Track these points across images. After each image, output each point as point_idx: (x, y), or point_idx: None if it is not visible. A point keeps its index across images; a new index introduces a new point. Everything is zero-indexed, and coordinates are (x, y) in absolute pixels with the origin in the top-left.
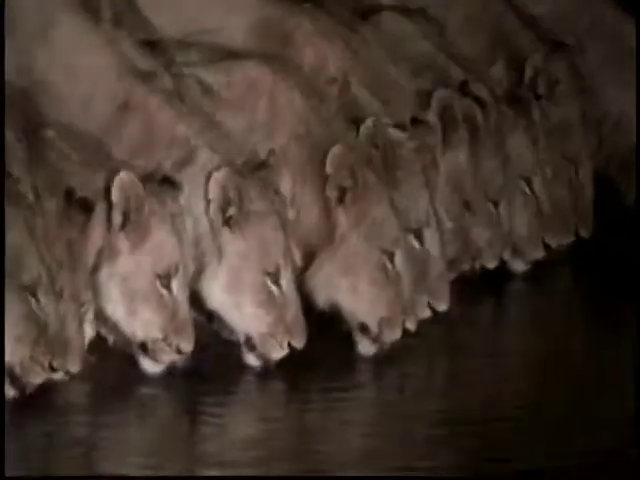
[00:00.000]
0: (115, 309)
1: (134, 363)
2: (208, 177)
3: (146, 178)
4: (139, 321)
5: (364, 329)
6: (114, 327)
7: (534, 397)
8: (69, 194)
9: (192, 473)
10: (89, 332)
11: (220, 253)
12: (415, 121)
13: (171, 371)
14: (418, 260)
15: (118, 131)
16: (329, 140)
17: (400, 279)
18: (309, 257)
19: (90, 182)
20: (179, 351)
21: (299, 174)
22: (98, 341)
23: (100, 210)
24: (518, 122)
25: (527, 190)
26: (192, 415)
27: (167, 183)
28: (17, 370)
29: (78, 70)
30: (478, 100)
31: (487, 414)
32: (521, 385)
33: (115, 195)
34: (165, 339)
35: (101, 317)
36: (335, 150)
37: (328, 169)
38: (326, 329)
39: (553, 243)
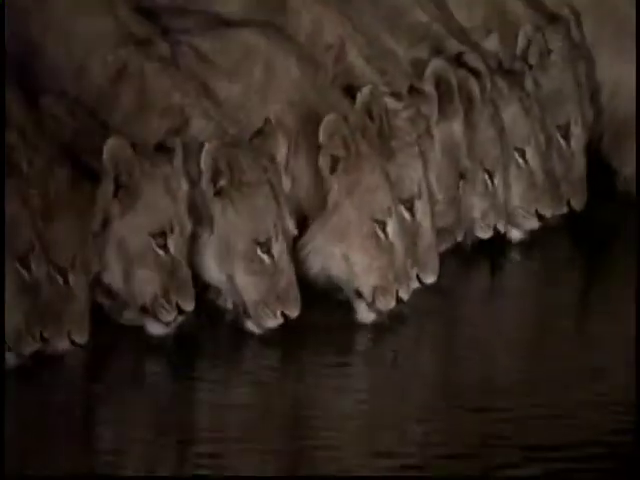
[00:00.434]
0: (113, 274)
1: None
2: (200, 148)
3: (139, 145)
4: (138, 282)
5: (359, 296)
6: (111, 293)
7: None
8: (76, 161)
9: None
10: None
11: (212, 223)
12: (411, 90)
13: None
14: (408, 231)
15: (113, 99)
16: (324, 108)
17: (393, 248)
18: (304, 225)
19: (92, 150)
20: (180, 310)
21: (294, 142)
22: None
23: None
24: (512, 93)
25: (521, 161)
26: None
27: (161, 149)
28: (9, 341)
29: (74, 36)
30: (473, 71)
31: (482, 387)
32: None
33: (105, 161)
34: (165, 296)
35: (98, 284)
36: (328, 119)
37: (321, 138)
38: (323, 296)
39: (547, 213)
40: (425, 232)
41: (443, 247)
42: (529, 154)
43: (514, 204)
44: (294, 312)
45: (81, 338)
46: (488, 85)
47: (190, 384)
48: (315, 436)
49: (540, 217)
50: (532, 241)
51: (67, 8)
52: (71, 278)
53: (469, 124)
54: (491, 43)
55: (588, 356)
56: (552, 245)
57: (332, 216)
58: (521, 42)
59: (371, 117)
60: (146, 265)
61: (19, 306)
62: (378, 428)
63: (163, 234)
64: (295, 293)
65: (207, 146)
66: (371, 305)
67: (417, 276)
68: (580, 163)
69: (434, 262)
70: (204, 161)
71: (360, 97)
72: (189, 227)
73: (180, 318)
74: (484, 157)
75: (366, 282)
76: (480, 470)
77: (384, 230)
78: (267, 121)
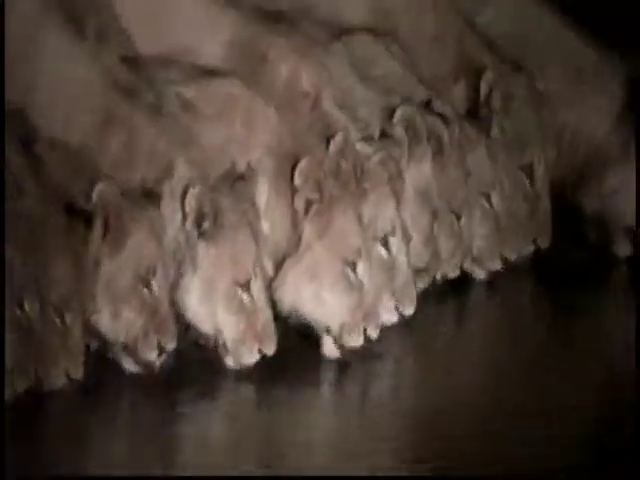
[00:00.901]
0: (101, 315)
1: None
2: (185, 192)
3: (127, 190)
4: (123, 322)
5: (328, 333)
6: (97, 332)
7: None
8: (70, 206)
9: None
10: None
11: (195, 264)
12: (382, 134)
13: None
14: (385, 267)
15: (101, 145)
16: (301, 153)
17: (363, 287)
18: (280, 266)
19: (85, 194)
20: (161, 349)
21: (272, 186)
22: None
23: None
24: (479, 138)
25: (486, 204)
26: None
27: (147, 195)
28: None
29: (63, 85)
30: (442, 117)
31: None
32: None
33: (95, 205)
34: (147, 335)
35: (86, 324)
36: (303, 164)
37: (296, 182)
38: (295, 333)
39: (511, 256)
40: (401, 266)
41: (421, 286)
42: (494, 198)
43: (479, 246)
44: (270, 349)
45: (77, 374)
46: (456, 130)
47: (171, 417)
48: (287, 466)
49: (505, 259)
50: (498, 279)
51: (54, 57)
52: (67, 317)
53: (438, 167)
54: (459, 90)
55: (539, 397)
56: (517, 284)
57: (304, 257)
58: (484, 89)
59: (346, 160)
60: (132, 305)
61: (13, 345)
62: (347, 459)
63: (148, 275)
64: (272, 331)
65: (192, 190)
66: (339, 342)
67: (396, 308)
68: (545, 203)
69: (412, 294)
70: (189, 204)
71: (334, 143)
72: (173, 269)
73: (163, 357)
74: (451, 199)
75: (335, 320)
76: None
77: (354, 270)
78: (248, 166)
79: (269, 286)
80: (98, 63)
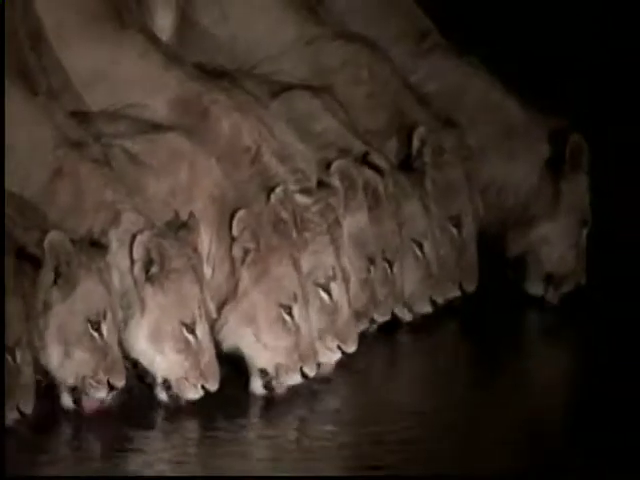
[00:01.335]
0: (51, 355)
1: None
2: (133, 239)
3: (76, 239)
4: (73, 363)
5: (263, 373)
6: (46, 372)
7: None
8: (21, 251)
9: None
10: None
11: (143, 306)
12: (320, 184)
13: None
14: (327, 310)
15: (51, 196)
16: (241, 204)
17: (299, 330)
18: (222, 309)
19: (37, 241)
20: (111, 387)
21: (214, 234)
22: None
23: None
24: (413, 190)
25: (418, 253)
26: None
27: (96, 243)
28: None
29: (19, 144)
30: (378, 169)
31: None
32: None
33: (46, 252)
34: (96, 376)
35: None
36: (240, 214)
37: (234, 232)
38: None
39: (440, 300)
40: (342, 308)
41: (360, 328)
42: (426, 247)
43: (410, 291)
44: (214, 386)
45: (28, 409)
46: (391, 182)
47: (120, 453)
48: None
49: (434, 303)
50: (425, 322)
51: (11, 119)
52: (18, 355)
53: (374, 218)
54: (393, 144)
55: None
56: (444, 325)
57: (241, 302)
58: (416, 142)
59: (285, 212)
60: (82, 347)
61: None
62: None
63: (98, 320)
64: (215, 369)
65: (139, 237)
66: (272, 380)
67: (338, 346)
68: (471, 250)
69: (353, 333)
70: (136, 250)
71: (273, 195)
72: (121, 313)
73: (112, 394)
74: (385, 248)
75: (271, 360)
76: None
77: (290, 314)
78: (191, 215)
79: (213, 327)
80: (50, 121)
